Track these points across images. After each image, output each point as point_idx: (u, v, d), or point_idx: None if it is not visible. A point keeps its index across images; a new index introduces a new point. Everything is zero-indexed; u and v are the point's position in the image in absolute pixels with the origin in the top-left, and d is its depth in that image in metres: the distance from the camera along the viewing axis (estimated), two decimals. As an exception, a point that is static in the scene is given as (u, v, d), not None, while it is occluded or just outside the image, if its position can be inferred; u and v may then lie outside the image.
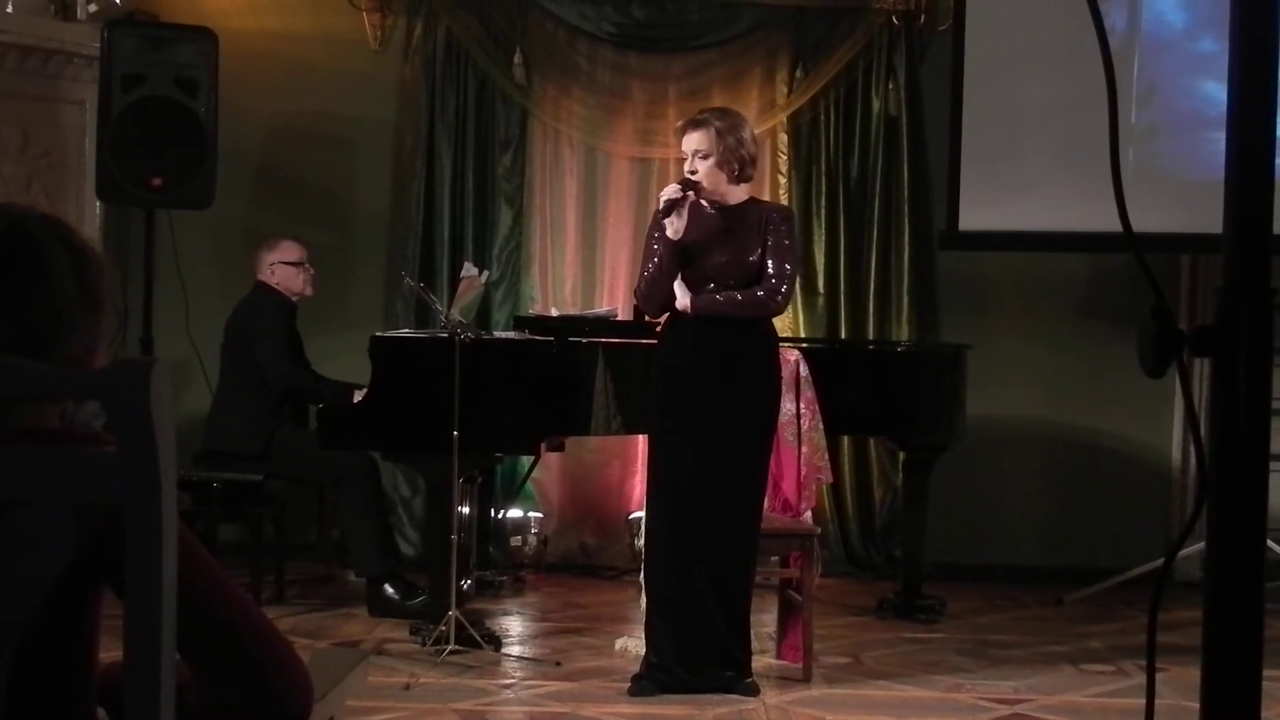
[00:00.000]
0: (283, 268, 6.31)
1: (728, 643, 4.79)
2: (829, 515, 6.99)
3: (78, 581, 1.57)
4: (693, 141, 4.78)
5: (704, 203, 4.82)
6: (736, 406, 4.76)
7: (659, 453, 4.86)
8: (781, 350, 5.62)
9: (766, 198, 7.05)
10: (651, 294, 4.84)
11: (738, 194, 4.88)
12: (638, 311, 5.27)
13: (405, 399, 5.38)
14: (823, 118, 7.17)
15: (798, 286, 7.10)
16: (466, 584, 5.93)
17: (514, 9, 7.17)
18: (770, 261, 4.79)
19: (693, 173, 4.78)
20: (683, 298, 4.79)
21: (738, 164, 4.80)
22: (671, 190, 4.78)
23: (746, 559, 4.82)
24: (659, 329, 5.03)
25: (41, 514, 1.49)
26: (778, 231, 4.82)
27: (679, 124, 4.95)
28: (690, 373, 4.79)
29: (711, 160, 4.76)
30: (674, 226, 4.72)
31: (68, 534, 1.49)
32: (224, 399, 6.25)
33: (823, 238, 7.18)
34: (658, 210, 4.80)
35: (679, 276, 4.79)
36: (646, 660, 4.84)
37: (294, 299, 6.35)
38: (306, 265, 6.36)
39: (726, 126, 4.79)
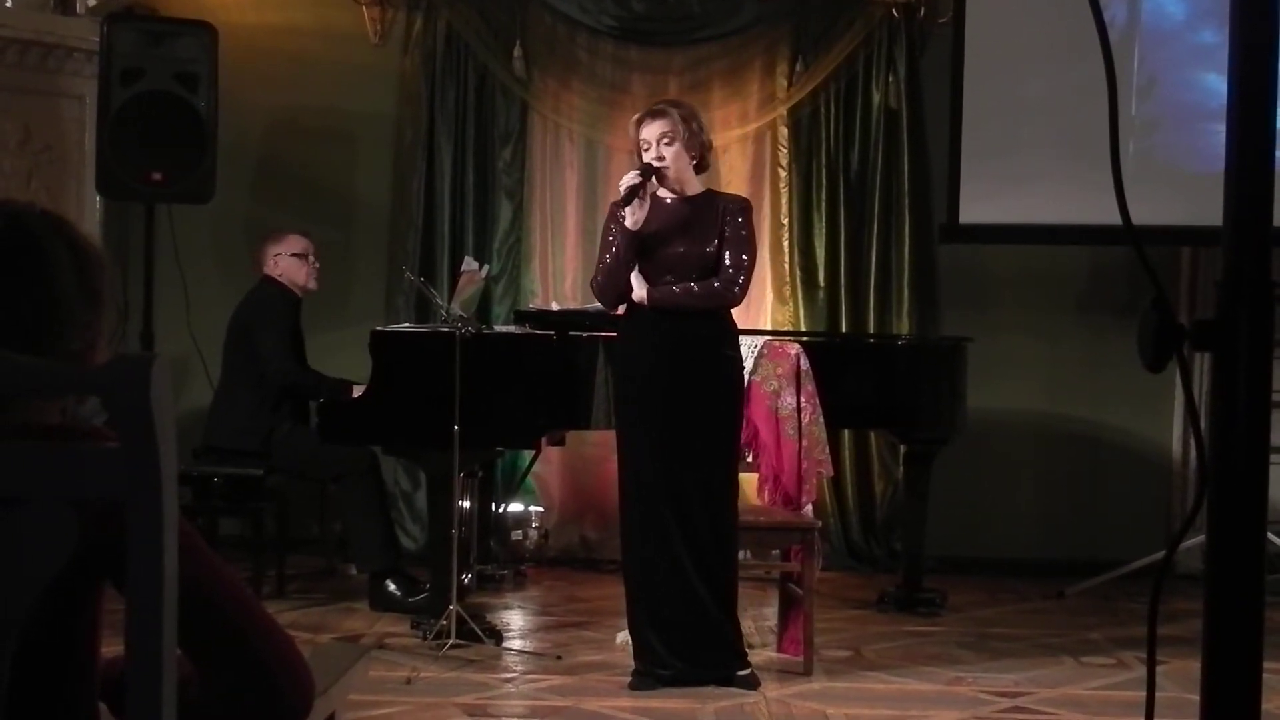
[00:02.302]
0: (287, 259, 6.30)
1: (723, 627, 4.79)
2: (830, 509, 6.99)
3: (79, 577, 1.57)
4: (656, 129, 4.74)
5: (662, 193, 4.80)
6: (701, 397, 4.75)
7: (626, 446, 4.83)
8: (782, 343, 5.63)
9: (767, 191, 7.07)
10: (609, 286, 4.80)
11: (696, 184, 4.86)
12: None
13: (406, 393, 5.38)
14: (823, 111, 7.17)
15: (797, 280, 7.16)
16: (467, 578, 5.94)
17: (514, 2, 7.16)
18: (727, 252, 4.76)
19: (659, 159, 4.74)
20: (639, 289, 4.76)
21: (699, 150, 4.80)
22: (631, 177, 4.70)
23: (728, 545, 4.81)
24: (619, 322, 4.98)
25: (42, 510, 1.49)
26: (735, 222, 4.79)
27: (635, 116, 4.89)
28: (651, 365, 4.77)
29: (677, 145, 4.74)
30: (634, 216, 4.67)
31: (68, 530, 1.49)
32: (225, 394, 6.24)
33: (823, 231, 7.18)
34: (615, 201, 4.77)
35: (636, 268, 4.76)
36: (642, 657, 4.83)
37: (298, 292, 6.34)
38: (312, 259, 6.35)
39: (688, 113, 4.79)
